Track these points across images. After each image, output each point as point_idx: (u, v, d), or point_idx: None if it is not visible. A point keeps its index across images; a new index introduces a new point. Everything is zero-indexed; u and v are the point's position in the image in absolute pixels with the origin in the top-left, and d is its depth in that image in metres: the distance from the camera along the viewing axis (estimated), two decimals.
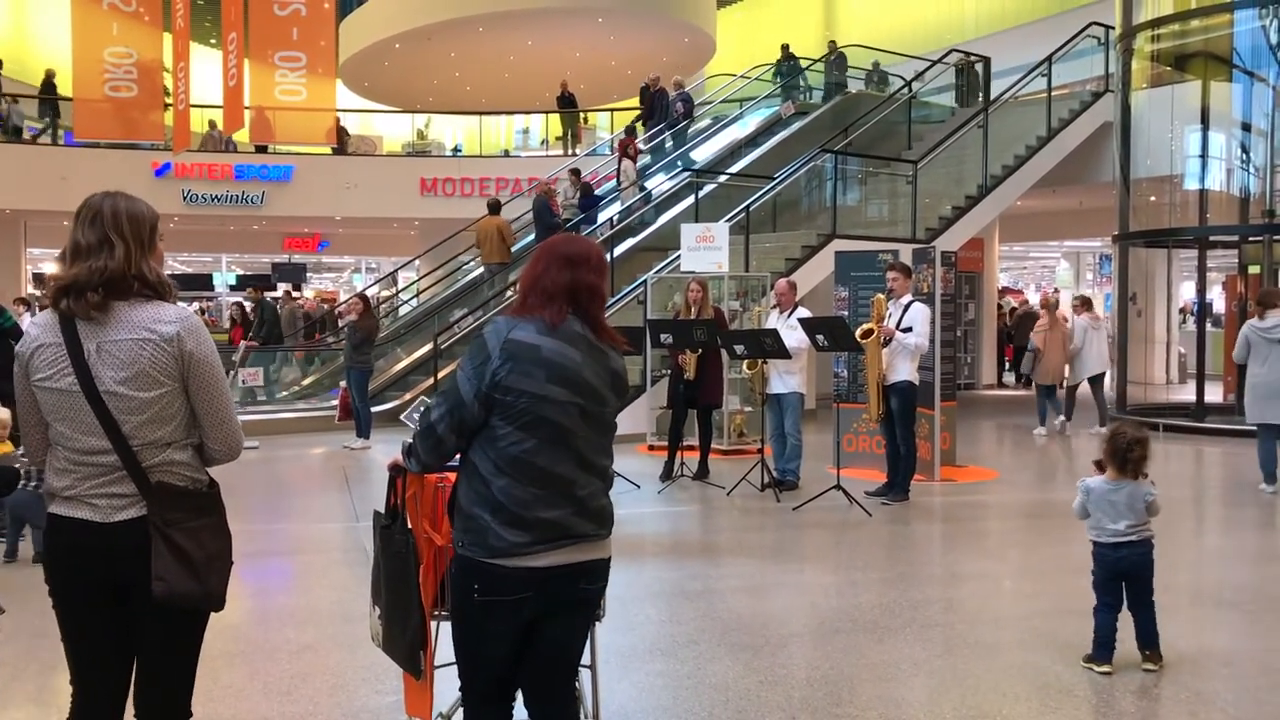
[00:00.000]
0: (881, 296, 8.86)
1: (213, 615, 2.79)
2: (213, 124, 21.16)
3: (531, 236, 17.30)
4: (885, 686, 4.54)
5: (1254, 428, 9.62)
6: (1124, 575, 4.68)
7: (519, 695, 2.94)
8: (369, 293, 16.24)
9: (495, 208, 16.60)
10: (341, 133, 22.50)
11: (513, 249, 16.60)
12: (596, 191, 18.25)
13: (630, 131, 19.63)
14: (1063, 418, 13.60)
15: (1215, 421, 13.52)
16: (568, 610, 2.82)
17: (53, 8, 32.15)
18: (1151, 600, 4.70)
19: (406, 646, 3.24)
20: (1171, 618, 5.09)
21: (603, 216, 16.92)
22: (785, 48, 22.52)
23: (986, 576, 6.68)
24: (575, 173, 18.12)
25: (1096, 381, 13.46)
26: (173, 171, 19.90)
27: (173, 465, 2.68)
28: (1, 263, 22.10)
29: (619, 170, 18.02)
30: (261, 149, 20.50)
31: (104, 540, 2.63)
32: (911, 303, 8.70)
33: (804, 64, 21.94)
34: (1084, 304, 13.96)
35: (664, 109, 19.42)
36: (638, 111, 22.50)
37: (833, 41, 22.14)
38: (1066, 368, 13.51)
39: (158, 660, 2.74)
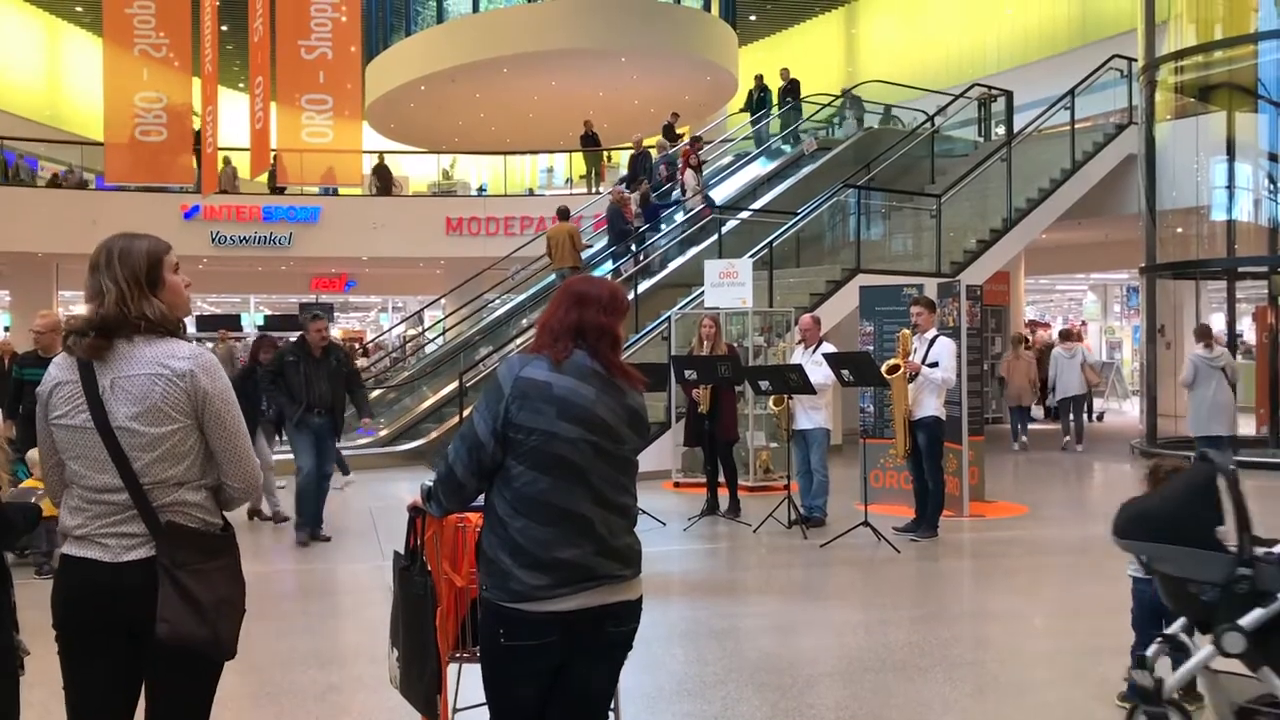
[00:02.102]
0: (907, 332, 8.82)
1: (238, 656, 2.74)
2: (227, 160, 21.41)
3: (604, 240, 18.06)
4: None
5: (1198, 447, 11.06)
6: (1162, 612, 4.57)
7: None
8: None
9: (565, 214, 17.04)
10: (385, 172, 22.80)
11: (583, 254, 16.94)
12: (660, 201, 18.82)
13: (693, 142, 19.78)
14: (1070, 439, 15.03)
15: (1247, 455, 13.32)
16: (597, 653, 2.79)
17: (84, 55, 32.84)
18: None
19: (423, 689, 3.21)
20: None
21: (665, 228, 17.77)
22: (759, 78, 22.18)
23: (1017, 614, 6.59)
24: (642, 181, 18.77)
25: (1066, 403, 15.10)
26: (201, 214, 20.16)
27: (185, 506, 2.66)
28: (34, 305, 22.31)
29: (681, 181, 18.38)
30: (279, 190, 20.70)
31: (112, 580, 2.60)
32: (936, 337, 8.65)
33: (800, 98, 21.67)
34: (1061, 336, 16.47)
35: (647, 172, 19.32)
36: (673, 141, 22.68)
37: (785, 70, 21.81)
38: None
39: (166, 709, 2.70)
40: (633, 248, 16.98)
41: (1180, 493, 3.95)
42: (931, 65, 29.24)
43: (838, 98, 21.26)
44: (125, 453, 2.60)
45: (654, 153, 19.68)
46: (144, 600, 2.56)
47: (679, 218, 17.81)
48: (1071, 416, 15.09)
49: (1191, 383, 11.51)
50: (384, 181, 22.71)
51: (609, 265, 17.31)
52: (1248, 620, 3.61)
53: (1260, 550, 3.69)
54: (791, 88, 21.29)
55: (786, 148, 20.15)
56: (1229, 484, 3.68)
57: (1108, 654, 4.86)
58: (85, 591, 2.63)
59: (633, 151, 20.27)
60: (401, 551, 3.37)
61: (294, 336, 9.47)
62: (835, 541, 8.36)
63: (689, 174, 18.36)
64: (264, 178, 20.31)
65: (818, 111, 20.91)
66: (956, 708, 4.71)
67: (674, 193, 18.98)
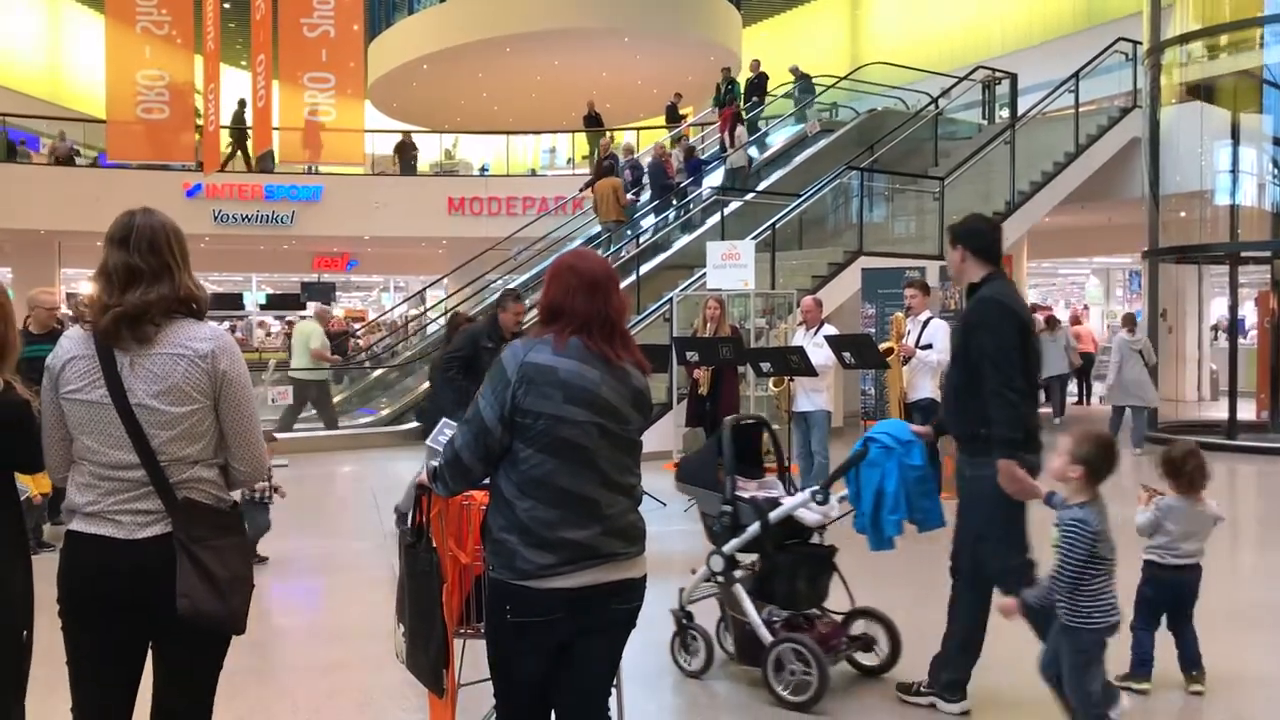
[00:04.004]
0: (900, 315, 8.83)
1: (241, 633, 2.77)
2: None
3: (647, 195, 18.57)
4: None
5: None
6: (1178, 599, 4.65)
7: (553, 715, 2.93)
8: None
9: (608, 171, 17.64)
10: (408, 148, 22.77)
11: (626, 209, 17.51)
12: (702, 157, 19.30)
13: (731, 101, 20.03)
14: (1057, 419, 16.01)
15: (1248, 439, 13.36)
16: (600, 631, 2.82)
17: (87, 33, 32.72)
18: (1191, 620, 4.66)
19: (429, 664, 3.25)
20: (1207, 638, 5.02)
21: (707, 181, 18.27)
22: (726, 71, 21.58)
23: None
24: (679, 139, 19.45)
25: (1050, 382, 16.34)
26: (203, 192, 20.13)
27: (200, 483, 2.67)
28: (37, 282, 22.28)
29: (734, 135, 18.92)
30: (266, 170, 20.66)
31: (126, 558, 2.59)
32: (930, 319, 8.66)
33: (767, 85, 21.51)
34: (1046, 323, 17.29)
35: (611, 174, 19.06)
36: (675, 125, 22.64)
37: (756, 61, 21.61)
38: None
39: (175, 685, 2.72)
40: (674, 201, 17.69)
41: (706, 445, 4.97)
42: (936, 47, 29.10)
43: (792, 84, 21.18)
44: (143, 430, 2.59)
45: (621, 156, 19.66)
46: (158, 576, 2.57)
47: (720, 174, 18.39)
48: (1059, 393, 16.67)
49: (1119, 363, 13.00)
50: (406, 158, 22.69)
51: (651, 219, 17.64)
52: (728, 547, 4.68)
53: (744, 493, 4.76)
54: (759, 82, 20.97)
55: (754, 151, 20.01)
56: (727, 439, 4.67)
57: None
58: (96, 568, 2.62)
59: (599, 156, 20.25)
60: (406, 528, 3.39)
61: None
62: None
63: (740, 129, 18.88)
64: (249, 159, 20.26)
65: (789, 113, 20.82)
66: None
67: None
